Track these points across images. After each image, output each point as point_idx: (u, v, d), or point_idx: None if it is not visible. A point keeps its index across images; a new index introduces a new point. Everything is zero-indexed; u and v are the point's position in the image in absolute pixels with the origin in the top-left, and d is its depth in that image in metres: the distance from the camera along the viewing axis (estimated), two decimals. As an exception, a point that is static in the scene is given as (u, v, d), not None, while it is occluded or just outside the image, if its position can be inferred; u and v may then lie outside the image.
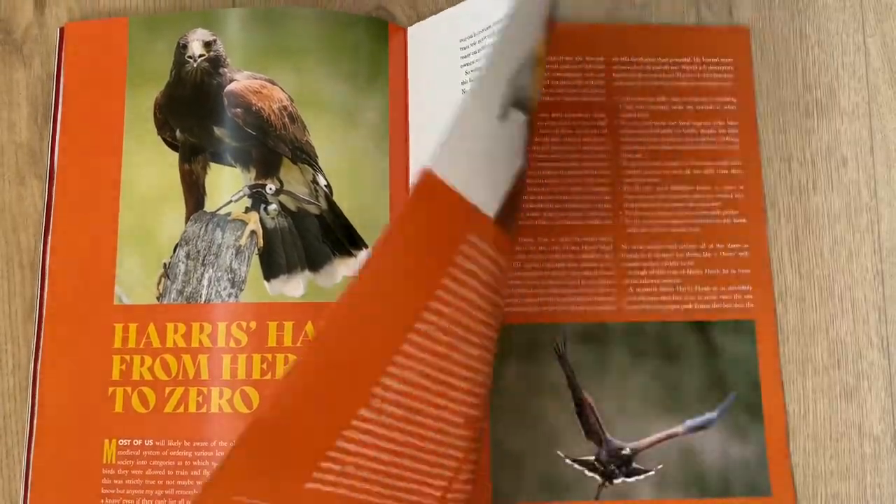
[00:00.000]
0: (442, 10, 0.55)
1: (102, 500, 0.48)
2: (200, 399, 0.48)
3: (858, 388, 0.52)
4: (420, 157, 0.51)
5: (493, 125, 0.35)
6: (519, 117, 0.37)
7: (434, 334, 0.35)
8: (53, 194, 0.52)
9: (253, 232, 0.50)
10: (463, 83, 0.50)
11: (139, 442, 0.48)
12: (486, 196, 0.35)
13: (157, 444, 0.48)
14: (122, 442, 0.48)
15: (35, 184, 0.52)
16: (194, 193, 0.51)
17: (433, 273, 0.34)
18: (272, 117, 0.50)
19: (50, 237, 0.51)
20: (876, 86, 0.55)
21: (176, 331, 0.49)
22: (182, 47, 0.51)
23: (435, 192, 0.33)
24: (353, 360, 0.34)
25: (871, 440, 0.51)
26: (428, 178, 0.32)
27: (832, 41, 0.56)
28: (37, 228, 0.52)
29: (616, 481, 0.49)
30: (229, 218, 0.50)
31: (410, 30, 0.54)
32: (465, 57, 0.50)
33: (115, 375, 0.49)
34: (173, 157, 0.51)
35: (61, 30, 0.53)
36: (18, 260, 0.51)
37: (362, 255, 0.50)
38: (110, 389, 0.49)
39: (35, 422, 0.49)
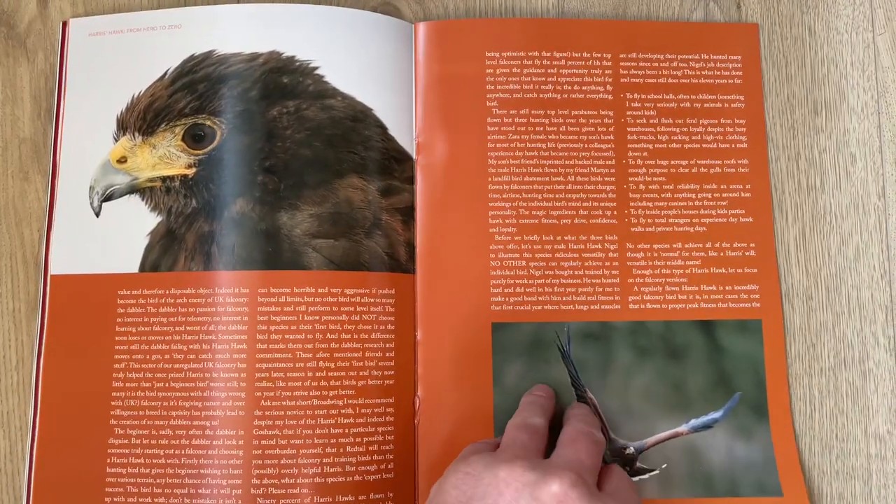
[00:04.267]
0: (448, 6, 0.55)
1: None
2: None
3: (865, 388, 0.51)
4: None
5: None
6: None
7: None
8: (56, 190, 0.51)
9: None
10: None
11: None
12: None
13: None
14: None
15: (38, 179, 0.52)
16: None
17: None
18: None
19: (52, 233, 0.51)
20: (885, 84, 0.55)
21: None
22: None
23: None
24: None
25: (877, 440, 0.51)
26: None
27: (841, 39, 0.55)
28: (40, 224, 0.52)
29: None
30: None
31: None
32: None
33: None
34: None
35: (64, 24, 0.53)
36: (22, 255, 0.51)
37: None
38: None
39: (38, 418, 0.49)
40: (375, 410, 0.49)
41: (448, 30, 0.54)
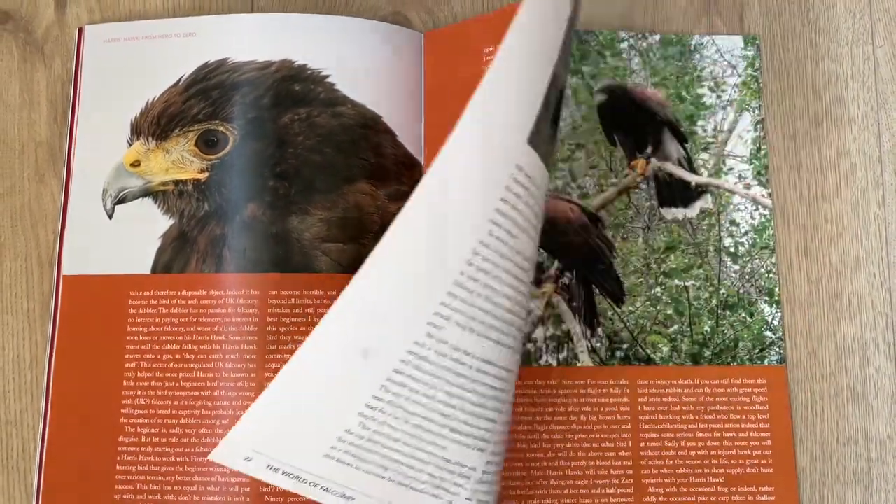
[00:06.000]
0: (457, 14, 0.56)
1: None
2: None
3: (865, 393, 0.52)
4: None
5: None
6: None
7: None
8: (70, 193, 0.52)
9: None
10: None
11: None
12: None
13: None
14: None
15: (54, 182, 0.53)
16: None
17: None
18: None
19: (66, 234, 0.52)
20: (884, 95, 0.55)
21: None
22: None
23: None
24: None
25: (878, 445, 0.51)
26: None
27: (841, 51, 0.56)
28: (55, 226, 0.52)
29: None
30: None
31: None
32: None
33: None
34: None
35: (80, 30, 0.54)
36: (37, 256, 0.52)
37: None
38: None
39: (49, 416, 0.49)
40: (380, 409, 0.49)
41: (454, 36, 0.54)
